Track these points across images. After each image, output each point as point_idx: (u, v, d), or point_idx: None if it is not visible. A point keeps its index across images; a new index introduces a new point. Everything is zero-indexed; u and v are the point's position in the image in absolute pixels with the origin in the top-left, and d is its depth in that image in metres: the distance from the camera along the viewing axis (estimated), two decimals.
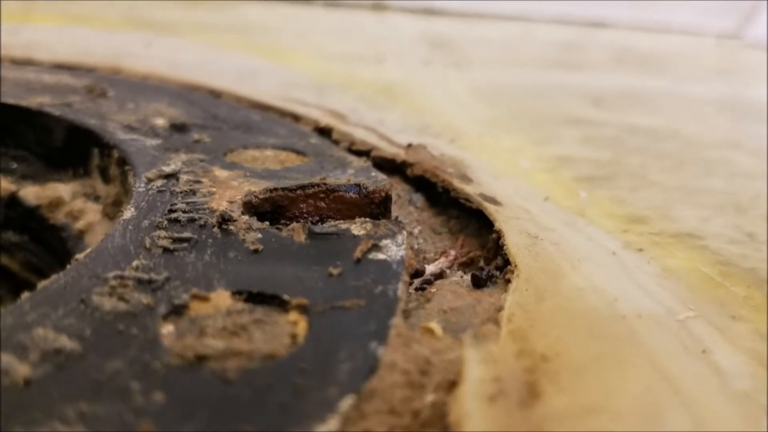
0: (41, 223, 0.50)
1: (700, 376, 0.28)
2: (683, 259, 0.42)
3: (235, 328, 0.27)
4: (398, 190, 0.51)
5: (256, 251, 0.33)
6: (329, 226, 0.37)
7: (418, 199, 0.51)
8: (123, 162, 0.46)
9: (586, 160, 0.65)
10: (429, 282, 0.39)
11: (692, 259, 0.42)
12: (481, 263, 0.42)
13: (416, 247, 0.45)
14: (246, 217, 0.37)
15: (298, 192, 0.41)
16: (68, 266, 0.31)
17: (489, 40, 1.51)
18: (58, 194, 0.50)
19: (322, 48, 1.16)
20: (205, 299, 0.29)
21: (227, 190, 0.40)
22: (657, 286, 0.37)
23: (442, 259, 0.43)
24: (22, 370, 0.23)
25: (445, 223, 0.49)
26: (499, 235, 0.41)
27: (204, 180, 0.42)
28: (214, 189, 0.40)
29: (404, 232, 0.37)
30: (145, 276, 0.30)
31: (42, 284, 0.29)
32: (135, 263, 0.31)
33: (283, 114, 0.64)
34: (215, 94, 0.69)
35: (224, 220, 0.36)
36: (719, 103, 1.04)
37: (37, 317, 0.26)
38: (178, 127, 0.52)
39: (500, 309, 0.33)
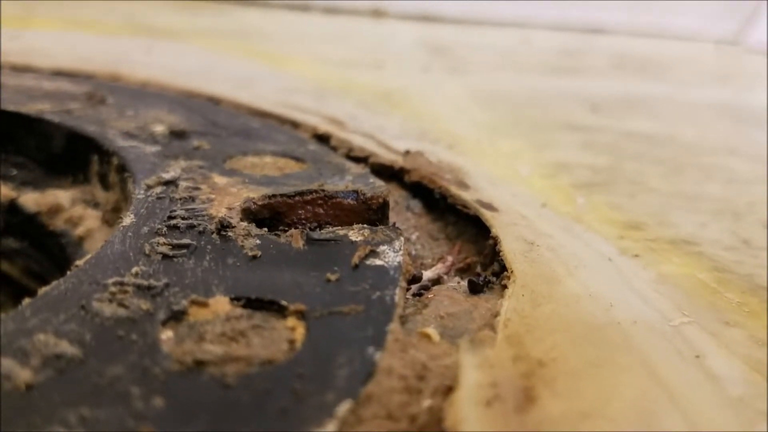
0: (41, 229, 0.51)
1: (695, 381, 0.29)
2: (679, 265, 0.42)
3: (233, 333, 0.27)
4: (396, 196, 0.52)
5: (254, 257, 0.34)
6: (327, 232, 0.37)
7: (416, 205, 0.51)
8: (122, 169, 0.46)
9: (584, 166, 0.65)
10: (426, 287, 0.39)
11: (688, 266, 0.43)
12: (478, 269, 0.42)
13: (414, 252, 0.45)
14: (245, 224, 0.37)
15: (297, 198, 0.41)
16: (68, 272, 0.31)
17: (487, 46, 1.51)
18: (57, 201, 0.50)
19: (321, 54, 1.16)
20: (204, 305, 0.29)
21: (226, 197, 0.40)
22: (652, 292, 0.37)
23: (440, 265, 0.43)
24: (23, 375, 0.23)
25: (443, 229, 0.49)
26: (496, 241, 0.41)
27: (203, 187, 0.42)
28: (213, 195, 0.41)
29: (402, 238, 0.37)
30: (145, 282, 0.30)
31: (42, 290, 0.29)
32: (134, 269, 0.31)
33: (282, 121, 0.65)
34: (214, 101, 0.69)
35: (223, 226, 0.36)
36: (718, 109, 1.05)
37: (38, 323, 0.27)
38: (177, 134, 0.52)
39: (497, 314, 0.33)
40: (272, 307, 0.30)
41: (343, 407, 0.24)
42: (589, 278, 0.38)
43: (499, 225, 0.43)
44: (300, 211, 0.41)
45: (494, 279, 0.39)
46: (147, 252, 0.33)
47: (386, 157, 0.56)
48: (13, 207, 0.51)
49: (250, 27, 1.40)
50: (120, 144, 0.49)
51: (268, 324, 0.29)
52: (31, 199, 0.51)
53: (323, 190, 0.41)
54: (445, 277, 0.42)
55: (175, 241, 0.34)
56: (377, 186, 0.43)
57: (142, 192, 0.41)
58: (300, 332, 0.28)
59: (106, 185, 0.50)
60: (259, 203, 0.40)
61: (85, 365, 0.24)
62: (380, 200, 0.42)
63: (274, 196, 0.41)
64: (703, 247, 0.46)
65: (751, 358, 0.31)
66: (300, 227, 0.39)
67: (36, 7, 1.29)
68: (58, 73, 0.73)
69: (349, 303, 0.30)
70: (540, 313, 0.33)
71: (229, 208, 0.39)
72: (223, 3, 1.60)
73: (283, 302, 0.30)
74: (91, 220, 0.49)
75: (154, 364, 0.25)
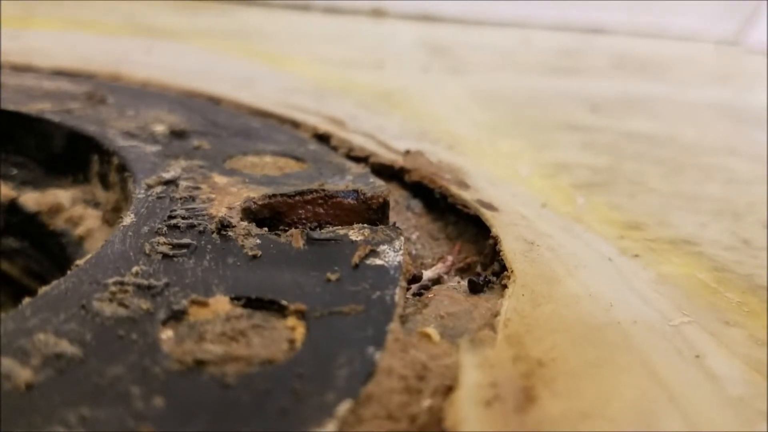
0: (41, 229, 0.51)
1: (694, 381, 0.29)
2: (679, 265, 0.42)
3: (233, 333, 0.27)
4: (396, 196, 0.52)
5: (254, 257, 0.34)
6: (327, 231, 0.37)
7: (416, 205, 0.51)
8: (123, 168, 0.46)
9: (584, 166, 0.65)
10: (426, 287, 0.39)
11: (688, 266, 0.43)
12: (478, 269, 0.42)
13: (414, 252, 0.45)
14: (245, 223, 0.37)
15: (297, 198, 0.41)
16: (69, 272, 0.31)
17: (487, 46, 1.51)
18: (57, 200, 0.50)
19: (321, 54, 1.16)
20: (204, 305, 0.29)
21: (226, 197, 0.40)
22: (652, 292, 0.37)
23: (440, 265, 0.43)
24: (23, 374, 0.23)
25: (443, 228, 0.49)
26: (496, 241, 0.41)
27: (203, 186, 0.42)
28: (213, 195, 0.41)
29: (402, 238, 0.37)
30: (145, 282, 0.30)
31: (43, 290, 0.29)
32: (135, 269, 0.31)
33: (283, 120, 0.65)
34: (215, 101, 0.69)
35: (223, 226, 0.36)
36: (718, 109, 1.05)
37: (38, 322, 0.27)
38: (177, 134, 0.52)
39: (497, 314, 0.33)
40: (272, 307, 0.30)
41: (343, 407, 0.24)
42: (589, 278, 0.38)
43: (499, 225, 0.43)
44: (300, 211, 0.41)
45: (494, 279, 0.39)
46: (147, 251, 0.33)
47: (386, 156, 0.56)
48: (13, 206, 0.52)
49: (250, 27, 1.40)
50: (120, 144, 0.49)
51: (268, 324, 0.29)
52: (31, 199, 0.51)
53: (323, 190, 0.41)
54: (446, 276, 0.42)
55: (176, 241, 0.34)
56: (377, 186, 0.43)
57: (142, 192, 0.41)
58: (300, 332, 0.28)
59: (106, 185, 0.50)
60: (260, 203, 0.40)
61: (85, 365, 0.24)
62: (380, 200, 0.42)
63: (274, 195, 0.41)
64: (703, 247, 0.46)
65: (751, 357, 0.31)
66: (300, 227, 0.39)
67: (36, 8, 1.29)
68: (59, 73, 0.73)
69: (349, 303, 0.30)
70: (540, 313, 0.33)
71: (230, 208, 0.39)
72: (224, 3, 1.60)
73: (284, 302, 0.30)
74: (91, 219, 0.49)
75: (154, 363, 0.25)
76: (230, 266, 0.33)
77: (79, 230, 0.49)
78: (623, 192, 0.58)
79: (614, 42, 1.75)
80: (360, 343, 0.27)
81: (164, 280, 0.30)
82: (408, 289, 0.37)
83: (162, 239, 0.34)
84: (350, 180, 0.44)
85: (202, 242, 0.35)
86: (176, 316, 0.28)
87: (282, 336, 0.28)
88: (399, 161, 0.55)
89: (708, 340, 0.32)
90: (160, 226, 0.36)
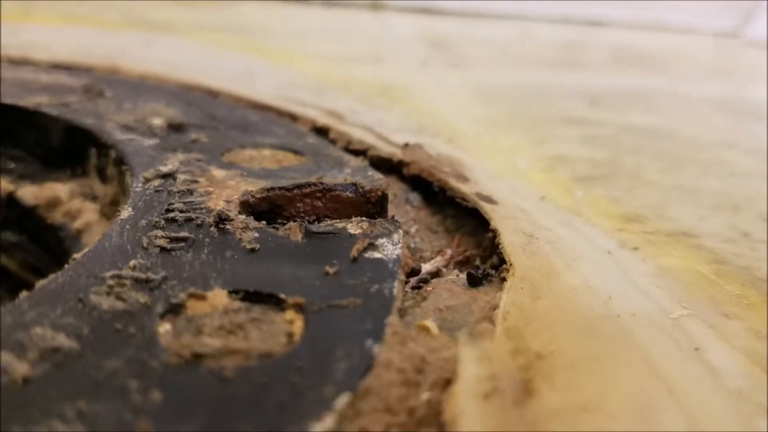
0: (39, 222, 0.50)
1: (694, 374, 0.29)
2: (678, 258, 0.42)
3: (232, 326, 0.27)
4: (395, 189, 0.51)
5: (252, 250, 0.34)
6: (326, 225, 0.37)
7: (415, 198, 0.51)
8: (120, 162, 0.46)
9: (583, 159, 0.65)
10: (425, 280, 0.39)
11: (687, 258, 0.42)
12: (477, 262, 0.42)
13: (412, 245, 0.45)
14: (243, 217, 0.37)
15: (295, 191, 0.41)
16: (66, 266, 0.31)
17: (487, 39, 1.51)
18: (55, 194, 0.50)
19: (320, 48, 1.16)
20: (202, 298, 0.29)
21: (224, 190, 0.40)
22: (651, 284, 0.37)
23: (438, 258, 0.43)
24: (20, 368, 0.23)
25: (442, 222, 0.49)
26: (495, 234, 0.41)
27: (201, 180, 0.42)
28: (211, 188, 0.40)
29: (400, 231, 0.37)
30: (143, 275, 0.30)
31: (40, 283, 0.29)
32: (132, 263, 0.31)
33: (281, 114, 0.64)
34: (213, 94, 0.69)
35: (221, 219, 0.36)
36: (717, 103, 1.04)
37: (36, 316, 0.27)
38: (175, 127, 0.52)
39: (495, 307, 0.33)
40: (271, 301, 0.30)
41: (342, 400, 0.24)
42: (588, 271, 0.38)
43: (498, 218, 0.43)
44: (298, 204, 0.41)
45: (493, 272, 0.39)
46: (145, 245, 0.33)
47: (385, 149, 0.56)
48: (11, 200, 0.51)
49: (249, 21, 1.40)
50: (118, 137, 0.49)
51: (266, 317, 0.28)
52: (29, 193, 0.51)
53: (322, 183, 0.41)
54: (444, 270, 0.42)
55: (173, 234, 0.34)
56: (376, 179, 0.43)
57: (140, 185, 0.41)
58: (298, 325, 0.28)
59: (104, 178, 0.49)
60: (258, 196, 0.40)
61: (82, 359, 0.24)
62: (379, 193, 0.42)
63: (272, 189, 0.41)
64: (702, 240, 0.46)
65: (750, 350, 0.31)
66: (298, 220, 0.39)
67: (34, 4, 1.28)
68: (56, 67, 0.73)
69: (347, 296, 0.30)
70: (539, 306, 0.33)
71: (228, 201, 0.39)
72: None
73: (282, 295, 0.30)
74: (89, 213, 0.49)
75: (152, 357, 0.25)
76: (228, 260, 0.32)
77: (77, 224, 0.49)
78: (622, 185, 0.58)
79: (614, 35, 1.75)
80: (358, 336, 0.27)
81: (162, 274, 0.30)
82: (407, 283, 0.37)
83: (160, 233, 0.34)
84: (349, 173, 0.44)
85: (200, 236, 0.35)
86: (174, 310, 0.28)
87: (280, 329, 0.28)
88: (398, 154, 0.55)
89: (707, 333, 0.32)
90: (157, 219, 0.36)
